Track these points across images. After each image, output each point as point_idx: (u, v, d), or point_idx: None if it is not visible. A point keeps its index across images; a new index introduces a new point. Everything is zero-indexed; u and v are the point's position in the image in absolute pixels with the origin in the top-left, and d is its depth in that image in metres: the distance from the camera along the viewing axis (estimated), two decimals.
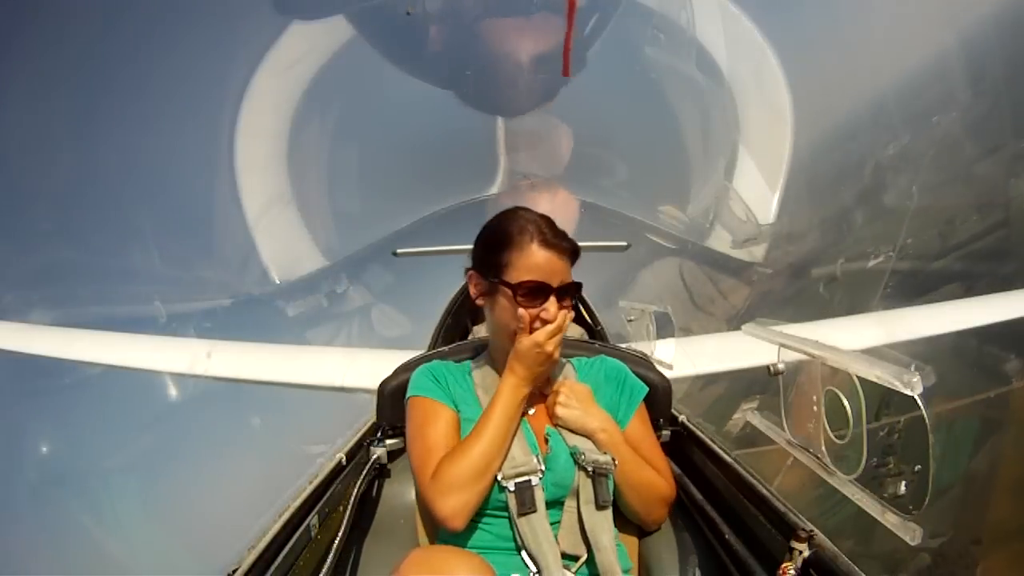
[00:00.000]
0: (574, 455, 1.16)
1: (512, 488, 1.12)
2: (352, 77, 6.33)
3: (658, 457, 1.30)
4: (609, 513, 1.15)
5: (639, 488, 1.23)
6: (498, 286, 1.18)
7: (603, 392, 1.31)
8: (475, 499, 1.10)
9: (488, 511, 1.17)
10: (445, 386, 1.27)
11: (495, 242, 1.20)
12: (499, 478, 1.12)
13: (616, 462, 1.17)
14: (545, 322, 1.16)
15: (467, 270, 1.25)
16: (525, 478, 1.13)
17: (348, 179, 7.14)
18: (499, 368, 1.28)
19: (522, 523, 1.11)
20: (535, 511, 1.11)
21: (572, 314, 1.24)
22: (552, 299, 1.16)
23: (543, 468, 1.14)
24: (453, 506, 1.08)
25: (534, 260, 1.16)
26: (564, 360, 1.35)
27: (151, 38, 6.24)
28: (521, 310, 1.16)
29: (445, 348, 1.60)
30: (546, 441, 1.21)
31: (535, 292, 1.16)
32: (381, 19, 5.90)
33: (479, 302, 1.25)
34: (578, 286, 1.21)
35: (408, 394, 1.28)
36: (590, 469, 1.14)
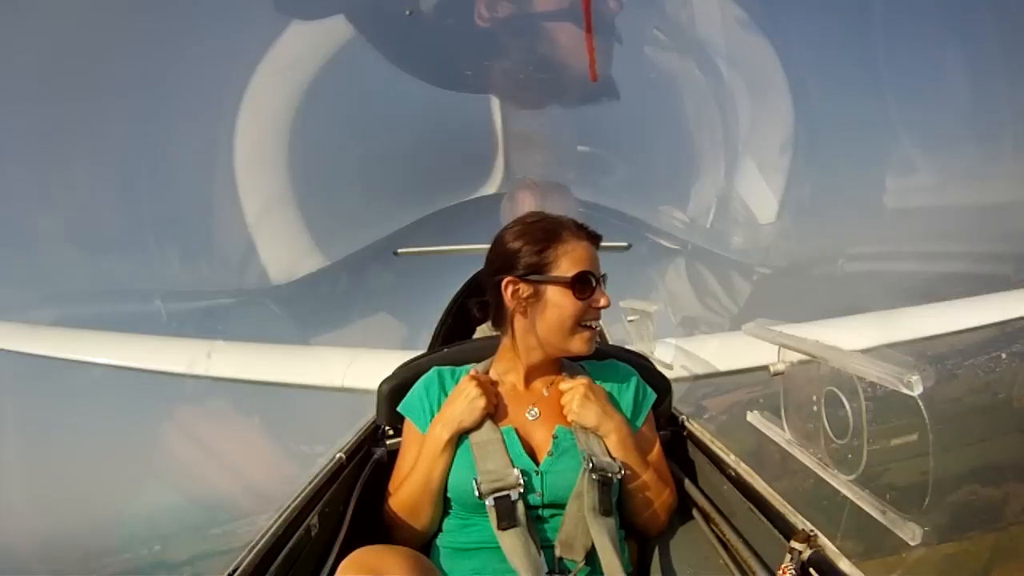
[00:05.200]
0: (583, 458, 1.16)
1: (491, 503, 1.12)
2: (352, 77, 6.33)
3: (662, 464, 1.31)
4: (612, 519, 1.15)
5: (644, 494, 1.23)
6: (547, 285, 1.20)
7: (618, 395, 1.32)
8: (419, 530, 1.22)
9: (474, 515, 1.18)
10: (428, 407, 1.29)
11: (534, 242, 1.21)
12: (477, 494, 1.12)
13: (623, 468, 1.17)
14: (596, 310, 1.22)
15: (500, 280, 1.22)
16: (504, 493, 1.12)
17: (348, 179, 7.13)
18: (515, 369, 1.29)
19: (502, 537, 1.11)
20: (515, 525, 1.11)
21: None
22: (600, 288, 1.22)
23: (522, 483, 1.13)
24: (404, 538, 1.20)
25: (580, 252, 1.21)
26: (574, 363, 1.35)
27: (151, 38, 6.24)
28: (580, 302, 1.20)
29: (445, 349, 1.59)
30: (553, 439, 1.21)
31: (586, 283, 1.20)
32: (381, 19, 5.90)
33: (519, 309, 1.23)
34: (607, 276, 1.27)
35: (399, 407, 1.33)
36: (596, 475, 1.13)
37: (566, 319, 1.20)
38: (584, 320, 1.22)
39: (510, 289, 1.22)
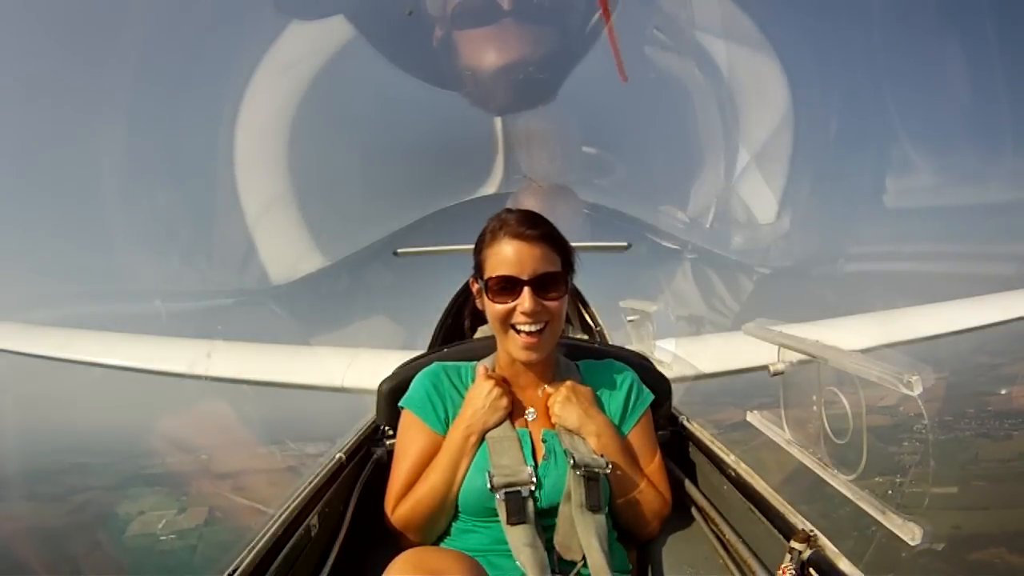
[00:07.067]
0: (567, 456, 1.15)
1: (502, 497, 1.11)
2: (352, 77, 6.33)
3: (656, 469, 1.28)
4: (602, 516, 1.14)
5: (633, 498, 1.22)
6: (482, 286, 1.19)
7: (608, 397, 1.30)
8: (430, 534, 1.20)
9: (481, 517, 1.17)
10: (439, 402, 1.26)
11: (479, 243, 1.21)
12: (489, 487, 1.11)
13: (610, 465, 1.16)
14: (524, 315, 1.14)
15: (470, 276, 1.27)
16: (515, 488, 1.12)
17: (348, 179, 7.14)
18: (511, 369, 1.28)
19: (511, 532, 1.10)
20: (524, 521, 1.10)
21: (561, 308, 1.20)
22: (526, 291, 1.13)
23: (535, 480, 1.13)
24: (413, 540, 1.19)
25: (502, 254, 1.15)
26: (571, 362, 1.35)
27: (151, 38, 6.24)
28: (497, 306, 1.15)
29: (445, 349, 1.59)
30: (544, 443, 1.20)
31: (506, 286, 1.14)
32: (381, 19, 5.90)
33: (479, 305, 1.25)
34: (559, 276, 1.16)
35: (402, 401, 1.30)
36: (581, 471, 1.12)
37: (495, 322, 1.18)
38: (513, 323, 1.16)
39: (474, 288, 1.24)
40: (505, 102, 6.14)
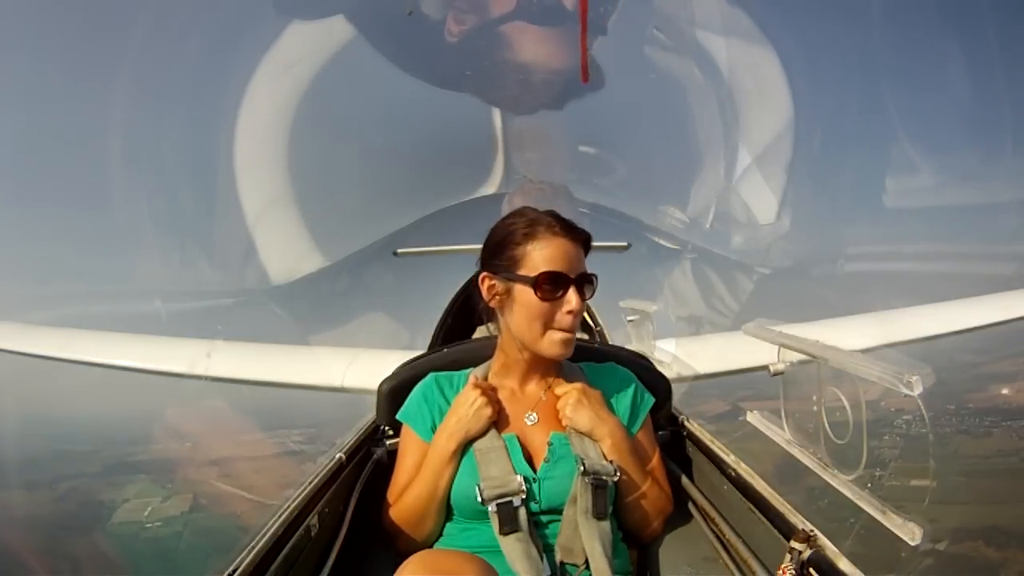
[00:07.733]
0: (576, 462, 1.15)
1: (494, 509, 1.11)
2: (352, 77, 6.33)
3: (659, 470, 1.29)
4: (606, 523, 1.14)
5: (639, 500, 1.22)
6: (515, 283, 1.16)
7: (615, 400, 1.30)
8: (422, 539, 1.20)
9: (475, 521, 1.17)
10: (428, 411, 1.27)
11: (508, 239, 1.18)
12: (480, 500, 1.12)
13: (618, 472, 1.16)
14: (570, 314, 1.15)
15: (478, 274, 1.23)
16: (506, 499, 1.12)
17: (348, 179, 7.14)
18: (511, 373, 1.28)
19: (504, 542, 1.10)
20: (517, 530, 1.10)
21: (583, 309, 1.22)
22: (572, 290, 1.15)
23: (524, 489, 1.13)
24: (407, 546, 1.19)
25: (550, 251, 1.15)
26: (573, 364, 1.35)
27: (151, 38, 6.24)
28: (543, 303, 1.14)
29: (445, 349, 1.59)
30: (548, 447, 1.20)
31: (555, 283, 1.14)
32: (381, 19, 5.91)
33: (493, 305, 1.22)
34: (593, 278, 1.20)
35: (398, 414, 1.32)
36: (590, 478, 1.13)
37: (533, 320, 1.16)
38: (554, 324, 1.16)
39: (486, 284, 1.21)
40: (536, 102, 6.13)
